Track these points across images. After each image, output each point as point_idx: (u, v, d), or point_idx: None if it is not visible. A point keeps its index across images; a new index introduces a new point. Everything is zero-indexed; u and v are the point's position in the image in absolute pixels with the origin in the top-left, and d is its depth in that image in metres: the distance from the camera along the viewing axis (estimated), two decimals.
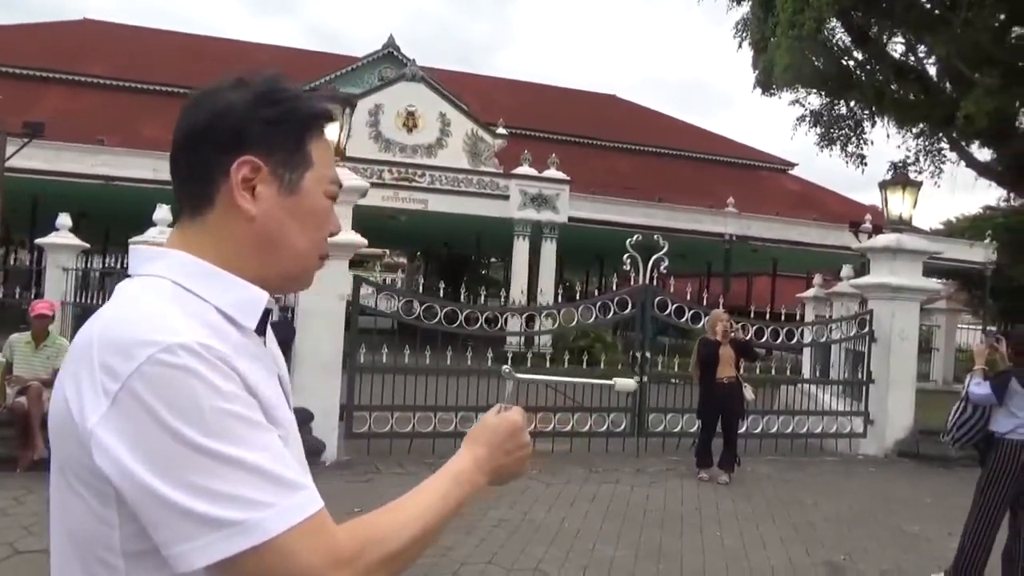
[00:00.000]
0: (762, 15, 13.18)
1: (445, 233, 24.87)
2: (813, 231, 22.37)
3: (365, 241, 7.71)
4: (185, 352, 0.81)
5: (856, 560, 5.53)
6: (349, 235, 7.54)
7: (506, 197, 20.87)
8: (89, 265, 11.41)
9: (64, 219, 11.96)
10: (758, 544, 5.78)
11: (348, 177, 7.61)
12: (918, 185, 9.78)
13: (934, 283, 9.90)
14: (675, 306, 9.00)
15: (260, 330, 0.97)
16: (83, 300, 10.94)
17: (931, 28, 11.20)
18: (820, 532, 6.19)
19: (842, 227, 19.31)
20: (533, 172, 21.02)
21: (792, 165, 28.47)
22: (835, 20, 13.13)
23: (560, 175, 21.19)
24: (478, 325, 8.25)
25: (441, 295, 8.22)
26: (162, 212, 9.41)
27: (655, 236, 8.83)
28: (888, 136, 13.92)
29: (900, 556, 5.72)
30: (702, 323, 8.46)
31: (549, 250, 21.36)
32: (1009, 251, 17.99)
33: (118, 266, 9.97)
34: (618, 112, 30.58)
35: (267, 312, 0.97)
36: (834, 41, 13.15)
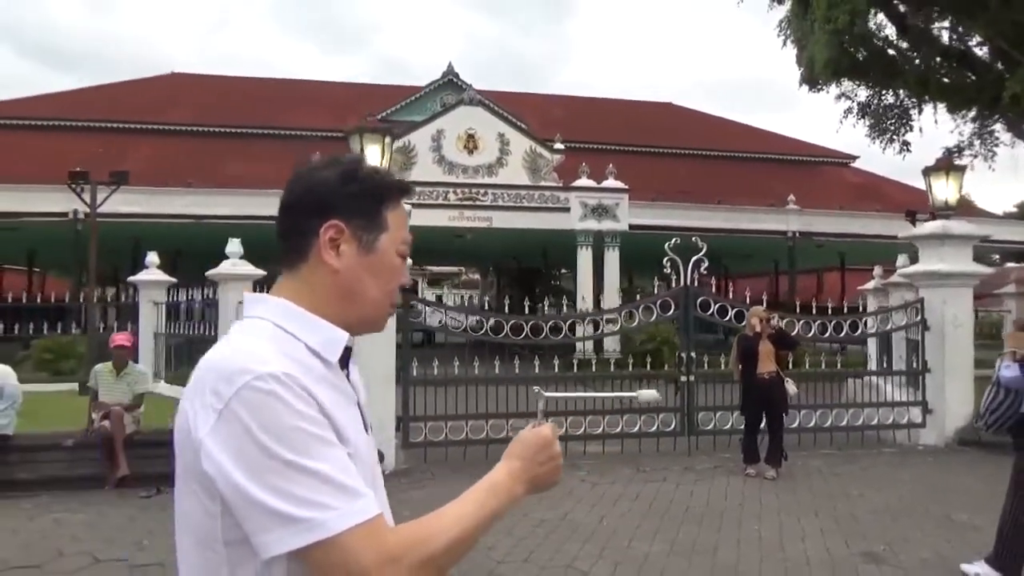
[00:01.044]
0: (800, 12, 13.18)
1: (511, 248, 25.43)
2: (877, 223, 21.87)
3: (410, 262, 8.16)
4: (273, 380, 1.00)
5: (897, 551, 5.53)
6: None
7: (567, 209, 21.30)
8: (178, 298, 12.25)
9: (152, 257, 12.91)
10: (797, 537, 5.83)
11: None
12: (962, 170, 9.63)
13: (984, 267, 9.67)
14: (718, 305, 9.15)
15: (344, 363, 1.16)
16: (175, 330, 11.88)
17: (969, 11, 10.99)
18: (863, 524, 6.20)
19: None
20: (592, 183, 21.40)
21: (854, 158, 27.83)
22: (878, 11, 13.01)
23: (618, 184, 21.46)
24: (523, 335, 8.62)
25: (485, 307, 8.61)
26: (234, 246, 10.13)
27: (693, 238, 9.01)
28: (936, 122, 13.63)
29: (943, 545, 5.68)
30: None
31: (612, 258, 21.64)
32: None
33: (208, 297, 10.77)
34: (674, 119, 30.53)
35: (348, 349, 1.16)
36: (875, 31, 13.00)
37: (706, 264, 9.12)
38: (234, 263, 9.97)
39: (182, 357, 12.15)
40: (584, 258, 21.52)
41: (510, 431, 8.36)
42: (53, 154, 20.42)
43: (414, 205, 21.33)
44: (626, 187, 21.52)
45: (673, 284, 9.09)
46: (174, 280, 12.64)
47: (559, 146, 22.33)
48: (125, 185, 13.62)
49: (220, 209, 19.47)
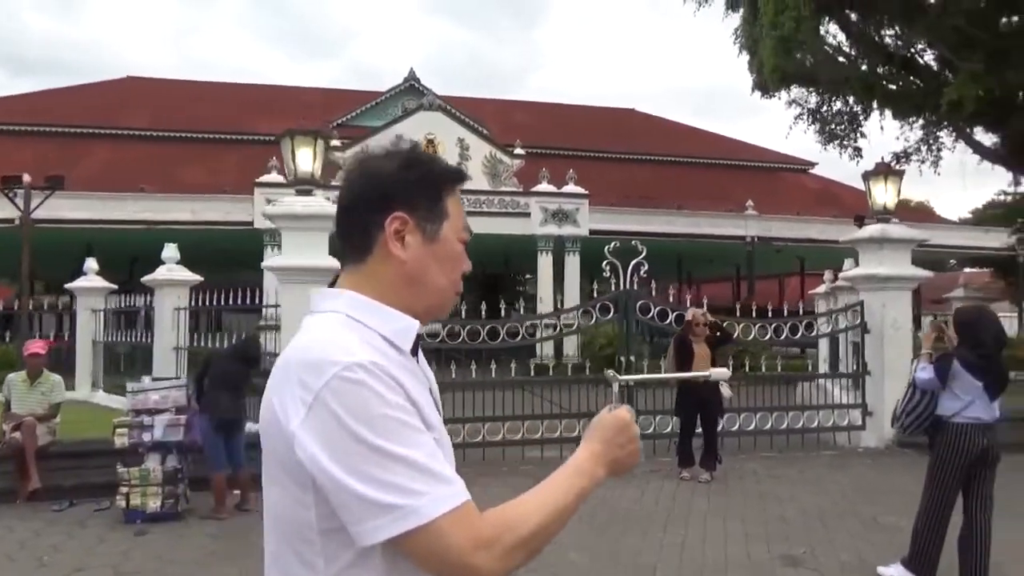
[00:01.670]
0: (751, 18, 13.28)
1: (472, 253, 25.17)
2: (833, 228, 22.09)
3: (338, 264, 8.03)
4: (361, 369, 1.02)
5: (818, 553, 5.50)
6: (327, 260, 7.91)
7: (527, 214, 21.24)
8: (122, 304, 11.88)
9: (90, 263, 12.60)
10: (720, 540, 5.79)
11: (325, 205, 8.00)
12: (900, 174, 9.73)
13: (923, 271, 9.76)
14: (658, 309, 9.11)
15: (414, 351, 1.17)
16: (117, 338, 11.56)
17: (911, 17, 11.13)
18: (790, 526, 6.18)
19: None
20: (552, 188, 21.36)
21: (812, 164, 28.18)
22: (829, 19, 13.13)
23: (578, 190, 21.45)
24: (460, 339, 8.51)
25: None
26: (169, 251, 9.91)
27: (633, 241, 8.97)
28: (882, 128, 13.84)
29: (866, 547, 5.66)
30: None
31: (573, 263, 21.61)
32: None
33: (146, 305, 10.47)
34: (636, 125, 30.64)
35: (419, 337, 1.18)
36: (824, 38, 13.10)
37: (646, 268, 9.08)
38: (170, 268, 9.76)
39: (124, 365, 11.82)
40: (544, 263, 21.46)
41: (467, 436, 8.23)
42: (3, 159, 19.97)
43: None
44: (586, 192, 21.51)
45: (613, 288, 9.05)
46: (114, 287, 12.33)
47: (519, 151, 22.29)
48: (62, 190, 13.30)
49: (175, 215, 19.18)
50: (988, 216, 19.78)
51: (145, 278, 9.88)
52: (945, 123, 13.36)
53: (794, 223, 22.74)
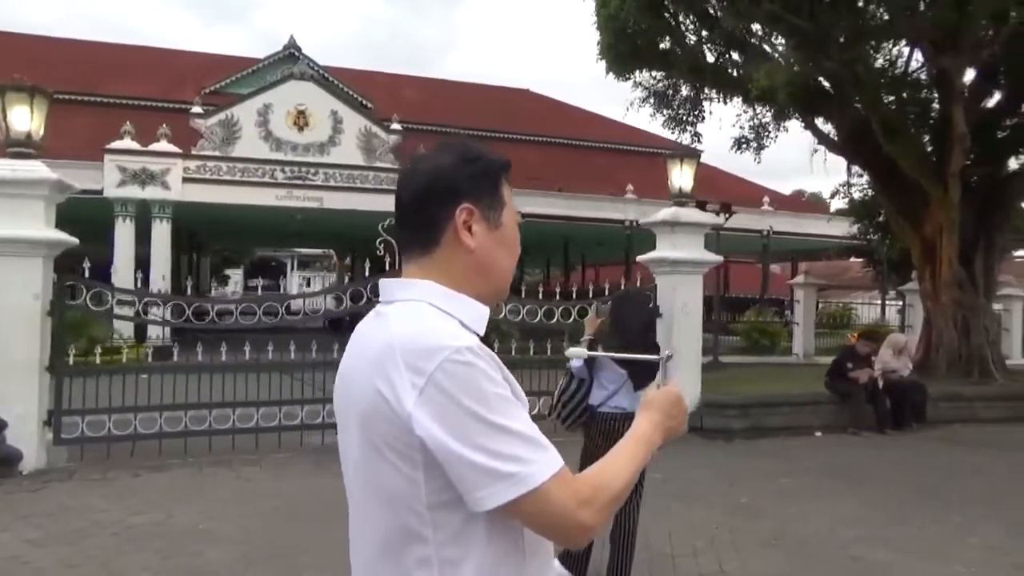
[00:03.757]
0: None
1: (345, 229, 24.56)
2: (709, 214, 22.17)
3: (74, 240, 7.43)
4: (469, 352, 1.11)
5: None
6: (51, 232, 7.25)
7: None
8: None
9: None
10: None
11: (40, 170, 7.33)
12: (697, 156, 9.61)
13: (714, 256, 9.66)
14: None
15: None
16: None
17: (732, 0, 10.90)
18: None
19: (740, 210, 19.27)
20: None
21: (698, 153, 28.24)
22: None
23: None
24: (209, 319, 7.97)
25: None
26: None
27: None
28: (711, 113, 13.79)
29: None
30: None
31: None
32: (872, 224, 17.77)
33: None
34: (529, 106, 30.23)
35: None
36: (664, 19, 12.78)
37: None
38: None
39: None
40: None
41: (189, 424, 7.71)
42: None
43: (237, 183, 20.51)
44: None
45: (387, 267, 8.61)
46: None
47: (396, 127, 21.74)
48: None
49: None
50: (859, 206, 20.07)
51: None
52: (760, 108, 13.27)
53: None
